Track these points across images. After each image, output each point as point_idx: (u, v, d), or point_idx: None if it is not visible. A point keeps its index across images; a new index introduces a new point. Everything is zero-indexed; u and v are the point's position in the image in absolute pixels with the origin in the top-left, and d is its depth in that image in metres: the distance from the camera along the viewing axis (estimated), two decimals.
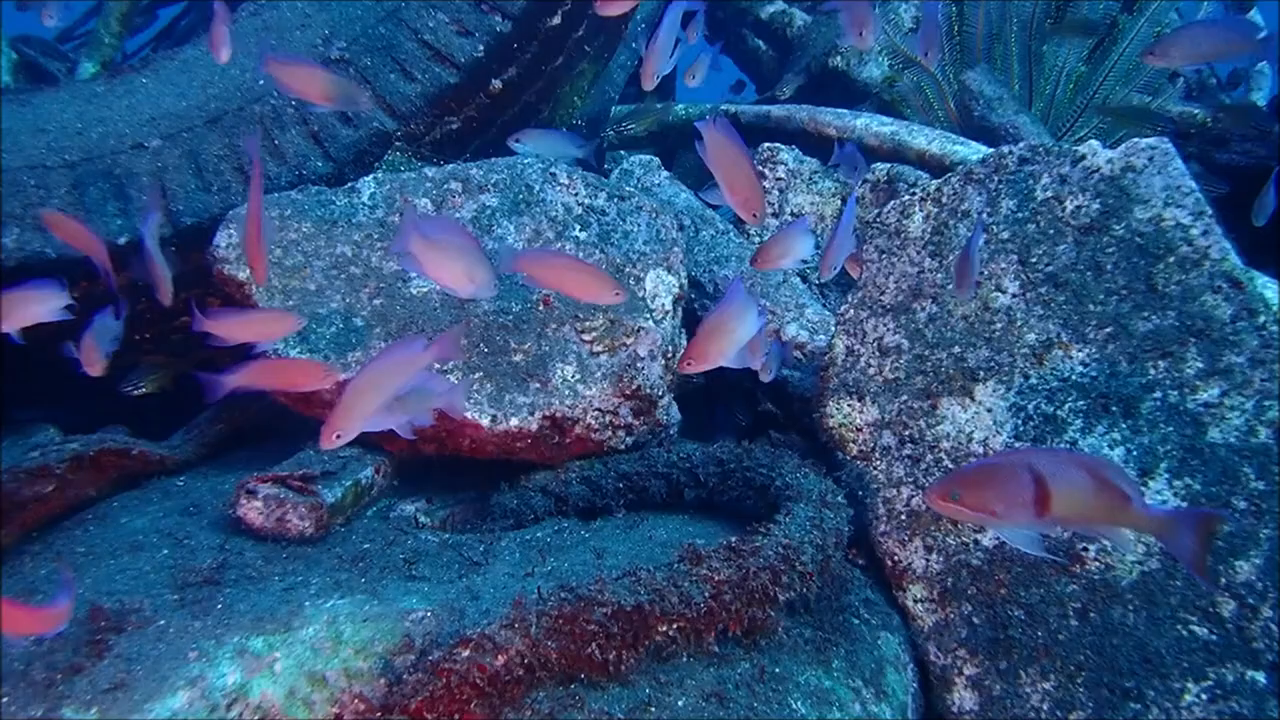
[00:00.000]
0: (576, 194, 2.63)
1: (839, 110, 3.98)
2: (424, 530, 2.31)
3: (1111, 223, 1.98)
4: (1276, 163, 3.23)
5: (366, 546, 2.12)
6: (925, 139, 3.59)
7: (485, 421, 2.32)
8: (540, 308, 2.48)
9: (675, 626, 1.69)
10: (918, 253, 2.19)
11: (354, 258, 2.44)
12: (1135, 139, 2.00)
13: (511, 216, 2.57)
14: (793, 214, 3.79)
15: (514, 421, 2.34)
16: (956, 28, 3.88)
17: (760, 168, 3.67)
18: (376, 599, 1.82)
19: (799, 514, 1.89)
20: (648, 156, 3.65)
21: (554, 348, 2.43)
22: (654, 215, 2.66)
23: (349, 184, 2.53)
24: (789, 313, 3.12)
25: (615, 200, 2.65)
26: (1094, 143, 2.04)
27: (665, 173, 3.60)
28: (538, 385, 2.38)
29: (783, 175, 3.66)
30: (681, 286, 2.63)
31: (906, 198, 2.22)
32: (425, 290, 2.44)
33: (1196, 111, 3.51)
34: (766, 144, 3.73)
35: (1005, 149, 2.13)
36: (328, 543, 2.11)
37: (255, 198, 1.93)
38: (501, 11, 2.92)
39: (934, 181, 2.20)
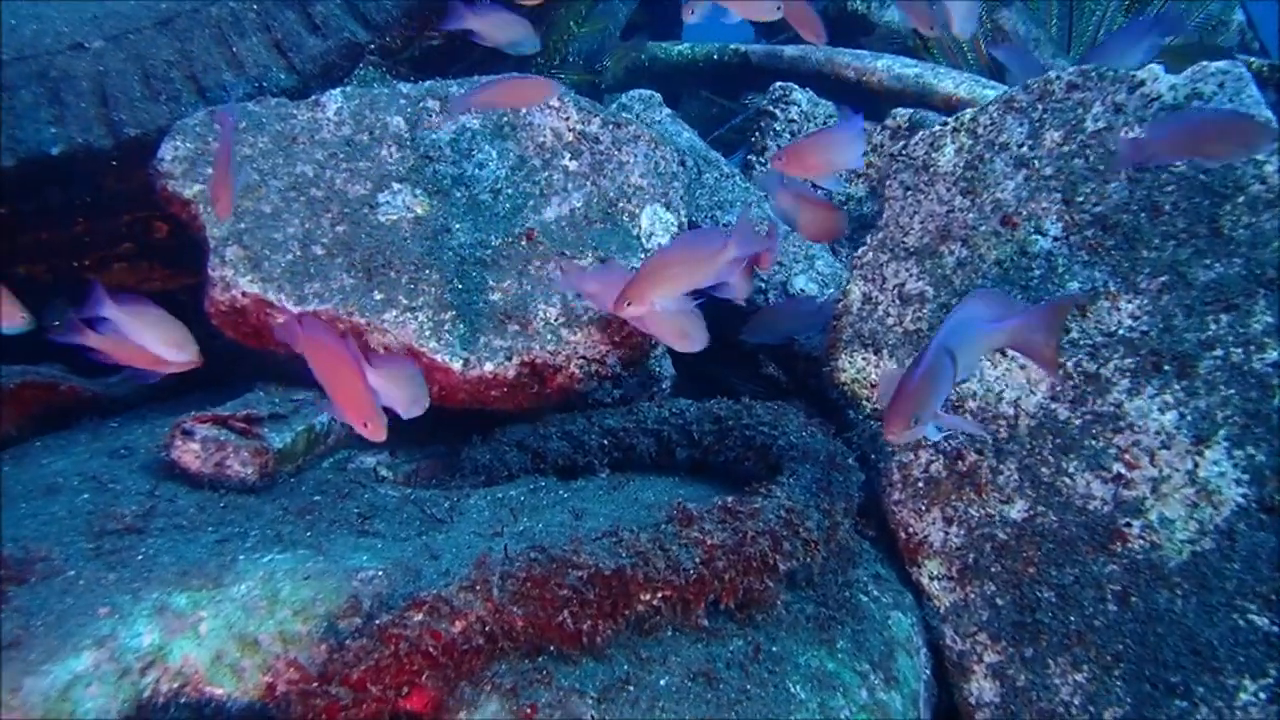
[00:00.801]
0: (568, 118, 2.44)
1: (858, 51, 3.79)
2: (384, 484, 2.15)
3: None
4: None
5: (317, 499, 1.95)
6: (953, 82, 3.40)
7: (456, 365, 2.15)
8: (523, 242, 2.31)
9: (660, 595, 1.53)
10: (948, 190, 2.01)
11: (316, 179, 2.25)
12: (1204, 61, 1.81)
13: (494, 140, 2.39)
14: None
15: (489, 367, 2.17)
16: None
17: (771, 108, 3.48)
18: (322, 555, 1.65)
19: (804, 475, 1.73)
20: (649, 92, 3.45)
21: (536, 287, 2.25)
22: (653, 146, 2.47)
23: (313, 97, 2.34)
24: (797, 264, 2.94)
25: (610, 128, 2.46)
26: (1155, 67, 1.86)
27: (667, 110, 3.41)
28: (517, 328, 2.21)
29: (795, 117, 3.47)
30: (681, 225, 2.45)
31: (937, 128, 2.04)
32: (395, 218, 2.26)
33: (1251, 60, 3.32)
34: (779, 83, 3.53)
35: (1052, 73, 1.95)
36: (273, 493, 1.95)
37: (225, 137, 1.79)
38: None
39: (969, 110, 2.02)
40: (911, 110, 3.49)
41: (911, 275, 2.01)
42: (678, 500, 1.61)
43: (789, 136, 3.49)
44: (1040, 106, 1.95)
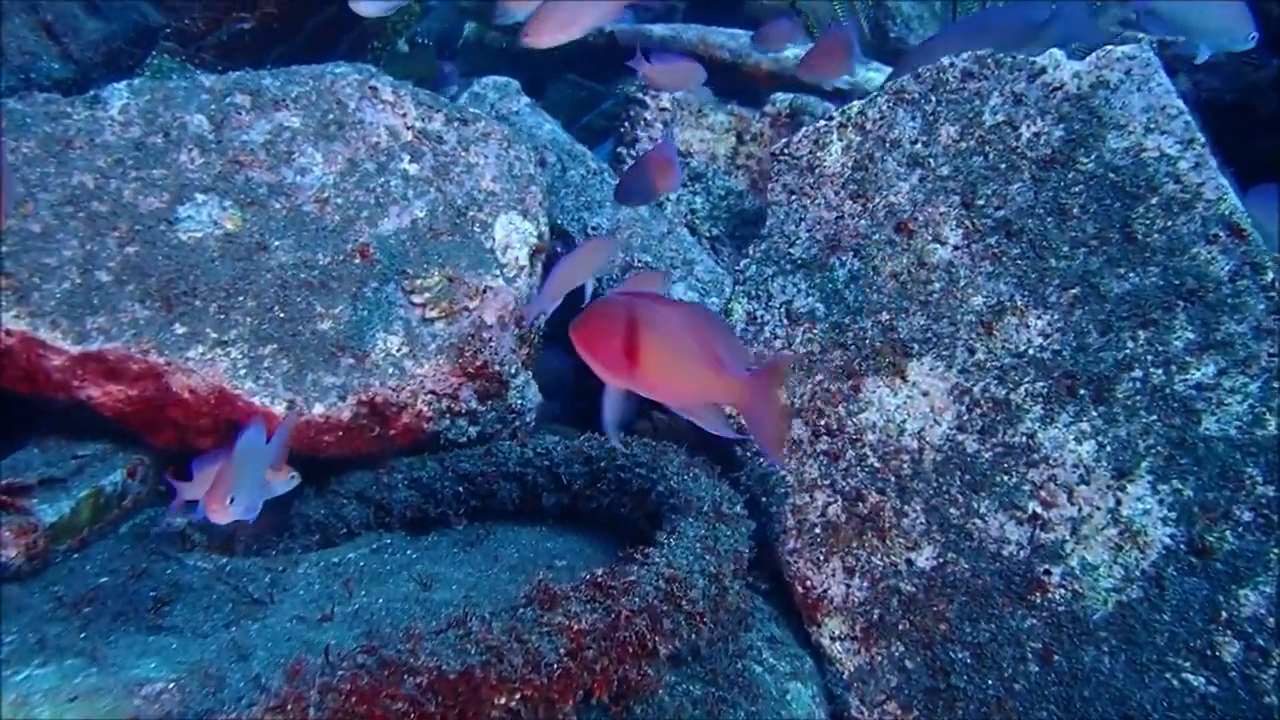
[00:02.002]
0: (405, 115, 2.20)
1: (733, 31, 3.64)
2: (195, 554, 1.87)
3: (1078, 154, 1.69)
4: (1231, 95, 3.04)
5: (103, 581, 1.68)
6: None
7: (279, 409, 1.89)
8: (357, 260, 2.06)
9: (518, 697, 1.32)
10: (836, 193, 1.86)
11: (98, 191, 1.95)
12: (1108, 46, 1.70)
13: (318, 142, 2.12)
14: (680, 153, 3.43)
15: (318, 409, 1.92)
16: None
17: (640, 95, 3.29)
18: (96, 665, 1.39)
19: (687, 533, 1.54)
20: (504, 79, 3.22)
21: (374, 312, 2.01)
22: (505, 145, 2.25)
23: (93, 92, 2.03)
24: (675, 270, 2.76)
25: (456, 125, 2.23)
26: (1058, 53, 1.74)
27: (526, 99, 3.18)
28: (351, 361, 1.96)
29: (667, 106, 3.30)
30: (541, 235, 2.23)
31: (822, 124, 1.89)
32: (199, 236, 1.98)
33: (1140, 36, 3.30)
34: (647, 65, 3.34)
35: (945, 61, 1.81)
36: (45, 577, 1.66)
37: None
38: None
39: (855, 104, 1.87)
40: (792, 96, 3.36)
41: (800, 291, 1.85)
42: (539, 577, 1.40)
43: (660, 126, 3.31)
44: (934, 98, 1.81)
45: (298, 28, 2.53)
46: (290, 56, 2.62)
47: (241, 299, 1.95)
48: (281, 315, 1.97)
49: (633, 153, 3.34)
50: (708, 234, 3.49)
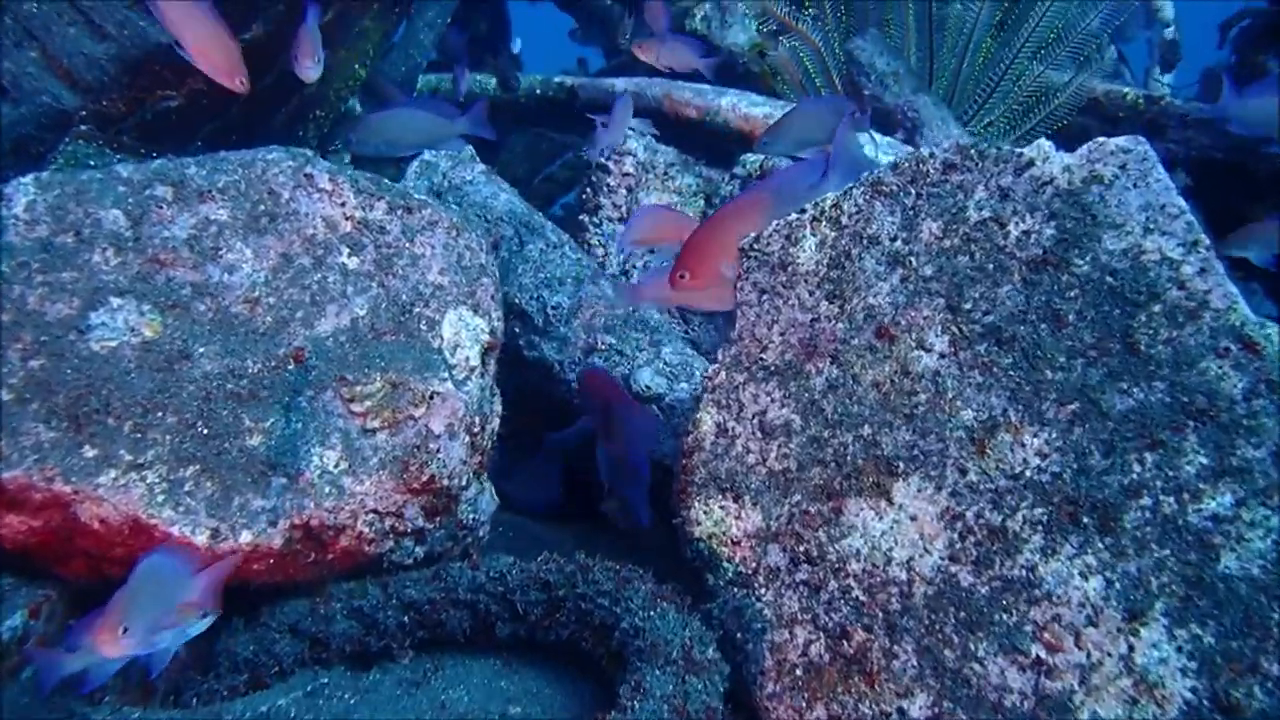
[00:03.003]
0: (343, 203, 2.09)
1: (700, 86, 3.56)
2: (103, 706, 1.73)
3: (1072, 255, 1.60)
4: (1222, 154, 2.99)
5: None
6: None
7: (201, 539, 1.76)
8: (291, 366, 1.94)
9: None
10: (811, 294, 1.76)
11: None
12: (1102, 138, 1.62)
13: (249, 236, 2.01)
14: None
15: (246, 537, 1.79)
16: None
17: (605, 161, 3.20)
18: None
19: (654, 691, 1.42)
20: (457, 146, 3.12)
21: (310, 424, 1.89)
22: (454, 233, 2.14)
23: None
24: (640, 353, 2.66)
25: (399, 213, 2.12)
26: (1044, 143, 1.66)
27: (480, 166, 3.09)
28: (284, 480, 1.84)
29: (631, 170, 3.21)
30: (493, 331, 2.12)
31: (794, 217, 1.79)
32: (114, 345, 1.85)
33: (1126, 91, 3.25)
34: None
35: (925, 151, 1.73)
36: None
37: None
38: None
39: (829, 196, 1.77)
40: (763, 157, 3.28)
41: (774, 401, 1.74)
42: None
43: (625, 192, 3.22)
44: (913, 191, 1.73)
45: (229, 102, 2.42)
46: (222, 134, 2.51)
47: (160, 415, 1.82)
48: (205, 431, 1.84)
49: (596, 220, 3.25)
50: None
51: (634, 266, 3.32)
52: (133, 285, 1.90)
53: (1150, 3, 6.10)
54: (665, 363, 2.67)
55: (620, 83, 3.80)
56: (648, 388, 2.58)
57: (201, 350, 1.90)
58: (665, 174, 3.38)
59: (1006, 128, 3.30)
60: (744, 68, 4.21)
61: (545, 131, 4.99)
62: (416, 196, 2.17)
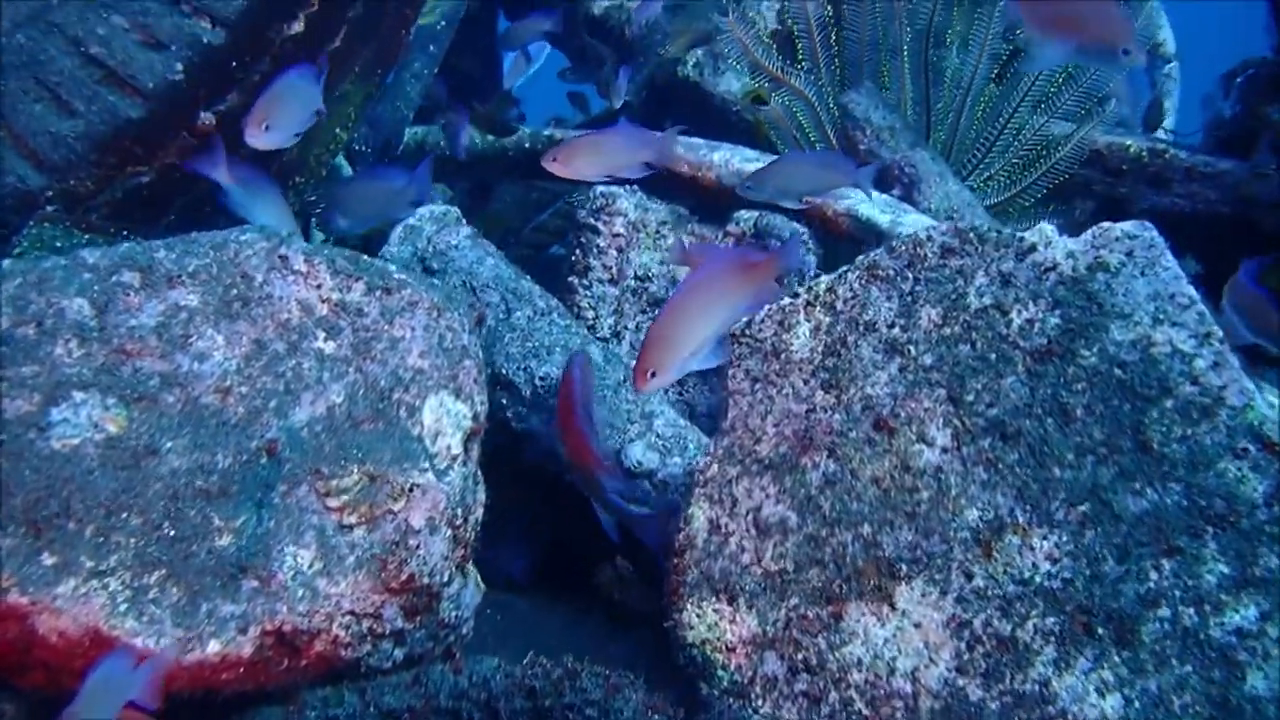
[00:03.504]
0: (319, 285, 2.04)
1: (692, 140, 3.52)
2: None
3: (1078, 346, 1.55)
4: (1230, 209, 2.95)
5: None
6: None
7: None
8: (264, 459, 1.88)
9: None
10: (805, 383, 1.71)
11: None
12: (1105, 223, 1.58)
13: (220, 322, 1.96)
14: (636, 277, 3.30)
15: (214, 646, 1.73)
16: (834, 34, 3.48)
17: (592, 221, 3.17)
18: None
19: None
20: (443, 208, 3.08)
21: (283, 522, 1.83)
22: (435, 314, 2.09)
23: None
24: (632, 425, 2.61)
25: (378, 294, 2.07)
26: (1046, 227, 1.61)
27: (466, 229, 3.05)
28: (255, 584, 1.78)
29: (621, 231, 3.17)
30: (476, 416, 2.07)
31: (787, 302, 1.74)
32: (75, 443, 1.80)
33: (1129, 143, 3.22)
34: (601, 188, 3.22)
35: (922, 233, 1.68)
36: None
37: None
38: (211, 15, 2.31)
39: (823, 280, 1.73)
40: (757, 214, 3.25)
41: (769, 496, 1.69)
42: None
43: (615, 253, 3.18)
44: (911, 275, 1.68)
45: (199, 179, 2.38)
46: (197, 206, 2.46)
47: (125, 516, 1.77)
48: (172, 533, 1.78)
49: (585, 281, 3.20)
50: None
51: (625, 329, 3.28)
52: (97, 378, 1.85)
53: (1151, 38, 6.11)
54: (658, 435, 2.62)
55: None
56: (639, 463, 2.53)
57: (169, 445, 1.84)
58: (657, 232, 3.34)
59: (1007, 182, 3.27)
60: (737, 116, 4.18)
61: (535, 181, 4.95)
62: (396, 275, 2.12)
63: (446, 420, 2.02)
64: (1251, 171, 2.92)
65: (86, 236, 2.18)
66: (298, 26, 2.52)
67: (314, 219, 4.04)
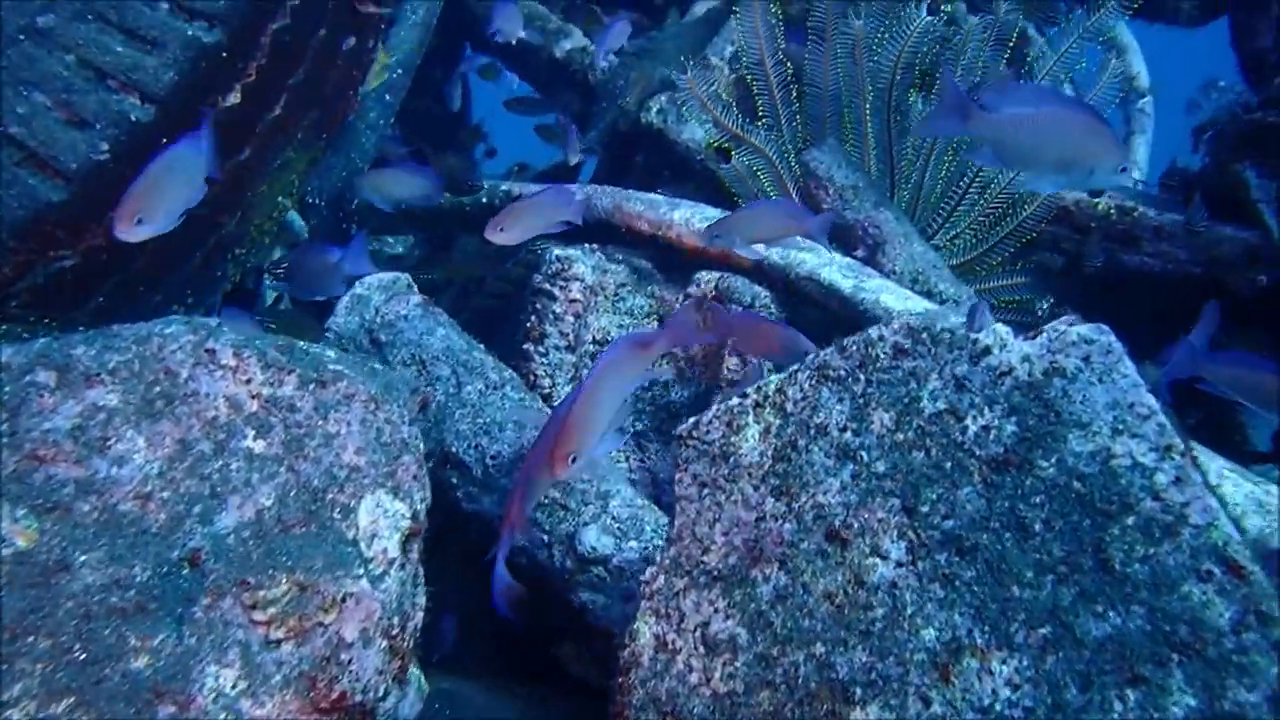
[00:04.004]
0: (249, 380, 1.97)
1: (652, 197, 3.48)
2: None
3: (1036, 456, 1.50)
4: (1200, 270, 2.92)
5: None
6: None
7: None
8: (186, 570, 1.80)
9: None
10: (755, 489, 1.65)
11: None
12: (1062, 325, 1.53)
13: (141, 422, 1.88)
14: (595, 342, 3.25)
15: None
16: (795, 91, 3.45)
17: (548, 286, 3.11)
18: None
19: None
20: (392, 275, 3.02)
21: (204, 639, 1.75)
22: (371, 407, 2.03)
23: None
24: (586, 508, 2.54)
25: (311, 388, 2.00)
26: (1001, 329, 1.57)
27: (416, 297, 2.99)
28: (171, 710, 1.70)
29: (579, 296, 3.12)
30: (415, 515, 2.00)
31: (735, 403, 1.69)
32: None
33: (1097, 201, 3.19)
34: (557, 251, 3.18)
35: (873, 333, 1.63)
36: None
37: None
38: (140, 91, 2.25)
39: (773, 380, 1.67)
40: (719, 275, 3.21)
41: (718, 611, 1.62)
42: None
43: (572, 319, 3.13)
44: (863, 377, 1.63)
45: (132, 258, 2.32)
46: (125, 288, 2.39)
47: (32, 640, 1.68)
48: (83, 657, 1.69)
49: (541, 349, 3.14)
50: (631, 429, 3.30)
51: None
52: (6, 487, 1.77)
53: (1126, 71, 6.15)
54: (613, 518, 2.55)
55: (572, 190, 3.72)
56: (593, 549, 2.46)
57: (83, 558, 1.76)
58: (616, 295, 3.29)
59: (974, 240, 3.23)
60: (701, 165, 4.15)
61: None
62: (331, 367, 2.06)
63: (383, 521, 1.95)
64: (1185, 226, 2.91)
65: (4, 327, 2.11)
66: (234, 98, 2.47)
67: (267, 280, 3.99)
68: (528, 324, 3.13)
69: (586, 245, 3.45)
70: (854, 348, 1.64)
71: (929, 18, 3.05)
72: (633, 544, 2.47)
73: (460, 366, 2.79)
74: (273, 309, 4.36)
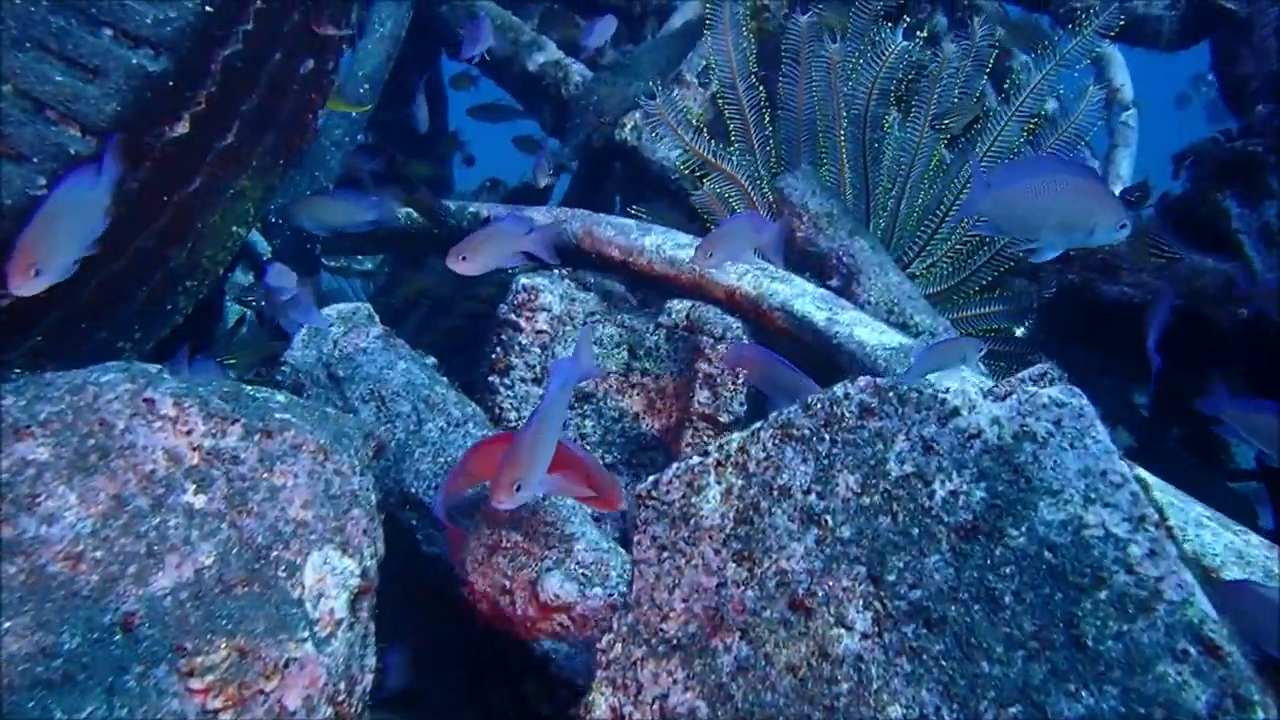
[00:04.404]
0: (190, 431, 1.91)
1: (624, 222, 3.43)
2: None
3: (1006, 524, 1.45)
4: (1182, 302, 2.88)
5: None
6: (734, 271, 3.07)
7: None
8: (119, 635, 1.74)
9: None
10: (716, 552, 1.60)
11: None
12: (1031, 387, 1.48)
13: (74, 477, 1.82)
14: None
15: None
16: (767, 116, 3.41)
17: (514, 317, 3.06)
18: None
19: None
20: (352, 305, 2.96)
21: (136, 710, 1.68)
22: (320, 457, 1.96)
23: None
24: (550, 551, 2.48)
25: (256, 438, 1.94)
26: (970, 389, 1.52)
27: (377, 329, 2.93)
28: None
29: (545, 327, 3.06)
30: (365, 573, 1.94)
31: (696, 461, 1.63)
32: None
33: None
34: (524, 280, 3.12)
35: (839, 391, 1.58)
36: None
37: None
38: (80, 122, 2.18)
39: (735, 438, 1.62)
40: (690, 304, 3.16)
41: (676, 682, 1.57)
42: None
43: (539, 350, 3.07)
44: (828, 437, 1.57)
45: (72, 297, 2.25)
46: (66, 325, 2.32)
47: None
48: None
49: (506, 381, 3.08)
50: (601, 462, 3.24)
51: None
52: None
53: (1109, 84, 6.14)
54: (578, 563, 2.49)
55: (539, 214, 3.66)
56: (556, 596, 2.40)
57: (7, 625, 1.69)
58: (584, 322, 3.23)
59: (950, 270, 3.19)
60: (676, 185, 4.10)
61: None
62: (278, 415, 1.99)
63: (331, 580, 1.88)
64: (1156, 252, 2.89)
65: None
66: (182, 127, 2.40)
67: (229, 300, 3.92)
68: (493, 355, 3.07)
69: (556, 270, 3.40)
70: (819, 406, 1.59)
71: (905, 42, 3.01)
72: (597, 590, 2.41)
73: (421, 403, 2.73)
74: (234, 331, 4.29)
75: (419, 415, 2.71)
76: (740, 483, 1.60)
